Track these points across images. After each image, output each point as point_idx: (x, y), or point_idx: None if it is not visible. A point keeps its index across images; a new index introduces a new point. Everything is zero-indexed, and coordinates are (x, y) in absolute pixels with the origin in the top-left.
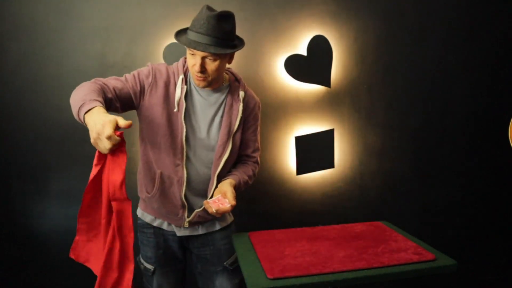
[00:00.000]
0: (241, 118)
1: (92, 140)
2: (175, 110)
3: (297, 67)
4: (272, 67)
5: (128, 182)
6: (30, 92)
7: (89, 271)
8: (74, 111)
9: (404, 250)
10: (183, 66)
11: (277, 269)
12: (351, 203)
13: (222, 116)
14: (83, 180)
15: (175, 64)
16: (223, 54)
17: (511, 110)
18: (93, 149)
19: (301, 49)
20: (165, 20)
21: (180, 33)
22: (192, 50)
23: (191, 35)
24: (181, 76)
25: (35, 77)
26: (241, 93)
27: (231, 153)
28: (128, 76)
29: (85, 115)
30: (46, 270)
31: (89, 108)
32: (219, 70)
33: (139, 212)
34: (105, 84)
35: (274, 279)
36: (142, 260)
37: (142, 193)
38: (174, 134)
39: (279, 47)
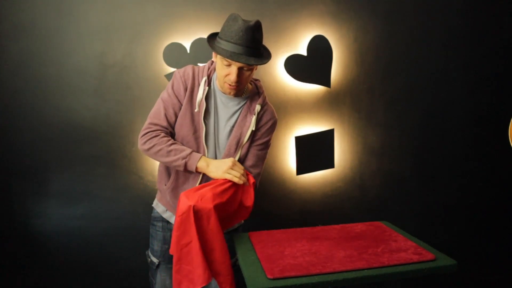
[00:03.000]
0: (252, 131)
1: (222, 172)
2: (196, 110)
3: (297, 67)
4: (272, 67)
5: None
6: (30, 92)
7: (88, 271)
8: (177, 166)
9: (404, 250)
10: (208, 69)
11: (277, 269)
12: (351, 203)
13: (233, 126)
14: (83, 180)
15: (202, 66)
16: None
17: (511, 110)
18: (92, 149)
19: (301, 49)
20: (165, 20)
21: (209, 40)
22: (229, 60)
23: (228, 46)
24: (204, 78)
25: (35, 77)
26: (257, 107)
27: None
28: (164, 97)
29: (198, 165)
30: (46, 270)
31: (197, 158)
32: (250, 78)
33: (155, 202)
34: (163, 128)
35: (274, 279)
36: (149, 253)
37: (160, 184)
38: (195, 134)
39: (279, 47)
